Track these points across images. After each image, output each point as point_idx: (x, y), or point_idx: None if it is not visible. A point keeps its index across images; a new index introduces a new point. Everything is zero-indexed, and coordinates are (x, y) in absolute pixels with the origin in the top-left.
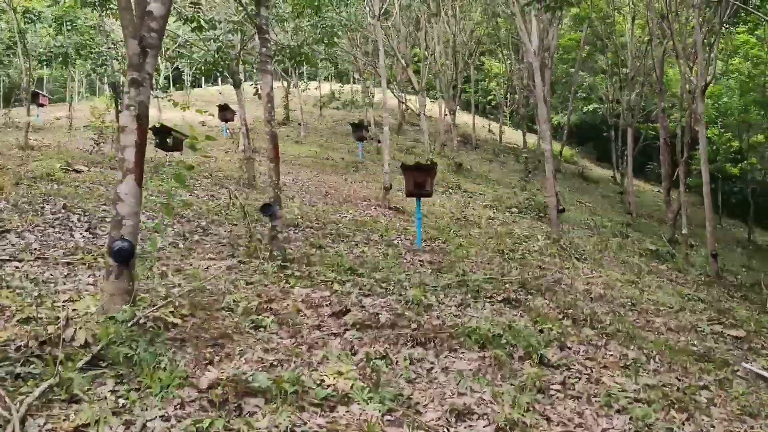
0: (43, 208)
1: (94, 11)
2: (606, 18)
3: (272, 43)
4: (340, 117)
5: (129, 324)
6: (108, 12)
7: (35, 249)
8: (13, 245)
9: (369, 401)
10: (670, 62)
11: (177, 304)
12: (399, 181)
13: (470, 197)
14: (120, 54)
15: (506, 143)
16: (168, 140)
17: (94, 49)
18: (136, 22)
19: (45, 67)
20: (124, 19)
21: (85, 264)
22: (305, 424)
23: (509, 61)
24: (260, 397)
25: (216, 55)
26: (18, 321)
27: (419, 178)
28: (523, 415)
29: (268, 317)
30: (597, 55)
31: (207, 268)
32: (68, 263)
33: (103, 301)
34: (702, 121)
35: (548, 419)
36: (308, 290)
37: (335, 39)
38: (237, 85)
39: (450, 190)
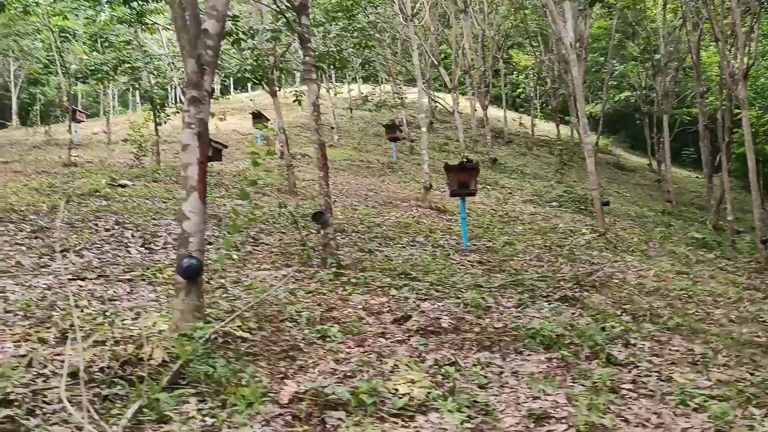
0: (96, 225)
1: (131, 27)
2: (636, 4)
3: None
4: (370, 118)
5: (203, 340)
6: (143, 27)
7: (96, 267)
8: (74, 264)
9: (446, 409)
10: (704, 45)
11: (244, 317)
12: (436, 180)
13: (509, 193)
14: (156, 68)
15: (538, 136)
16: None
17: (132, 64)
18: (193, 41)
19: (80, 83)
20: (182, 39)
21: (144, 280)
22: None
23: (538, 53)
24: (341, 410)
25: (254, 64)
26: (94, 342)
27: (463, 178)
28: (601, 417)
29: (332, 327)
30: (627, 42)
31: (263, 279)
32: (129, 280)
33: (174, 318)
34: (745, 105)
35: (626, 420)
36: (366, 297)
37: (369, 41)
38: (274, 93)
39: (488, 187)
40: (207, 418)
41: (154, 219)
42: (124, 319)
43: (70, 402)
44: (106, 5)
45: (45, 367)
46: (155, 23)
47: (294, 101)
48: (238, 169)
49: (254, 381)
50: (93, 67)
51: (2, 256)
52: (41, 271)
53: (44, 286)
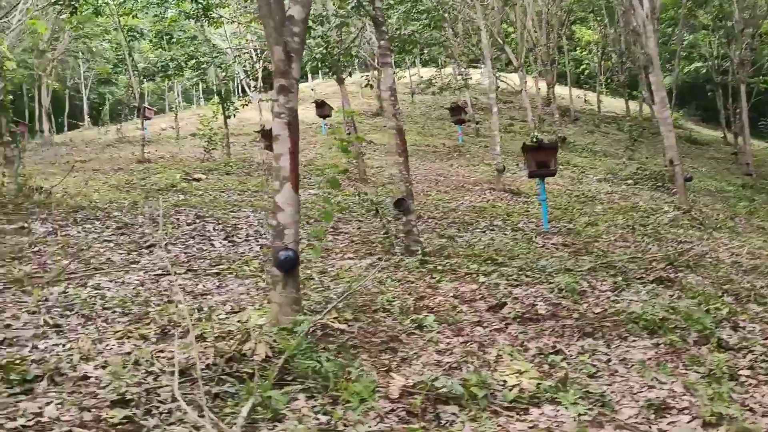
0: (177, 219)
1: (197, 22)
2: None
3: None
4: (431, 102)
5: (305, 334)
6: (209, 22)
7: (183, 261)
8: (161, 259)
9: (566, 402)
10: None
11: (338, 308)
12: (506, 162)
13: (581, 172)
14: (223, 62)
15: (605, 113)
16: None
17: (200, 59)
18: (278, 28)
19: (148, 81)
20: (267, 27)
21: (232, 273)
22: (507, 430)
23: (602, 27)
24: (452, 404)
25: (324, 52)
26: (195, 338)
27: (542, 157)
28: (727, 406)
29: (427, 316)
30: (698, 11)
31: (349, 268)
32: (216, 274)
33: (272, 311)
34: None
35: (751, 410)
36: (455, 284)
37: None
38: (341, 80)
39: (560, 166)
40: (320, 416)
41: (232, 211)
42: (220, 314)
43: (180, 400)
44: (173, 2)
45: (152, 365)
46: (221, 17)
47: (365, 86)
48: (307, 159)
49: (363, 376)
50: (163, 63)
51: (93, 253)
52: (131, 267)
53: (136, 281)
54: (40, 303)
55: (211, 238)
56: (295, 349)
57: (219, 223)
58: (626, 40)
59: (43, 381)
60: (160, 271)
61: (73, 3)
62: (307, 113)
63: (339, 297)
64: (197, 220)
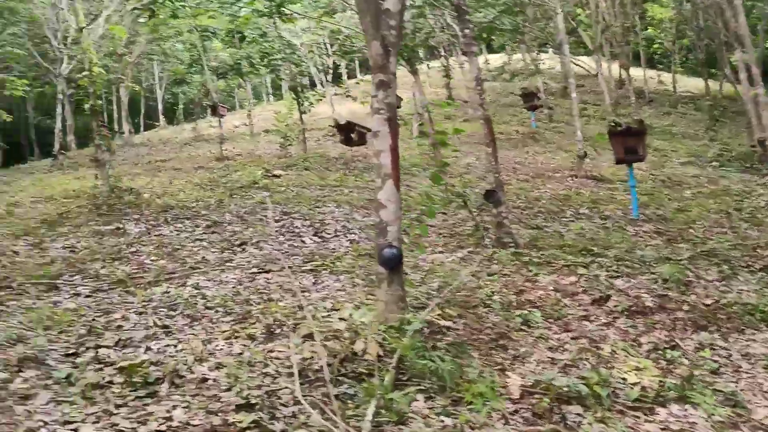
0: (265, 216)
1: (270, 18)
2: None
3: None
4: (500, 89)
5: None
6: (283, 19)
7: (277, 259)
8: (254, 257)
9: (687, 400)
10: None
11: (441, 304)
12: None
13: (663, 155)
14: (297, 58)
15: (681, 93)
16: (352, 135)
17: (274, 56)
18: (375, 22)
19: (220, 79)
20: (364, 21)
21: (326, 270)
22: None
23: (678, 4)
24: (575, 404)
25: (402, 43)
26: (303, 337)
27: (630, 143)
28: None
29: (532, 311)
30: None
31: (441, 263)
32: (311, 270)
33: (378, 310)
34: None
35: None
36: (553, 277)
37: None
38: (415, 71)
39: None
40: (443, 418)
41: (316, 207)
42: (321, 312)
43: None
44: (246, 0)
45: (266, 366)
46: (294, 13)
47: (444, 76)
48: None
49: (481, 375)
50: (238, 61)
51: (187, 252)
52: (226, 266)
53: (234, 280)
54: (144, 303)
55: (301, 234)
56: (408, 349)
57: (306, 219)
58: (704, 17)
59: (164, 383)
60: (255, 269)
61: (151, 7)
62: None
63: (438, 293)
64: (284, 217)
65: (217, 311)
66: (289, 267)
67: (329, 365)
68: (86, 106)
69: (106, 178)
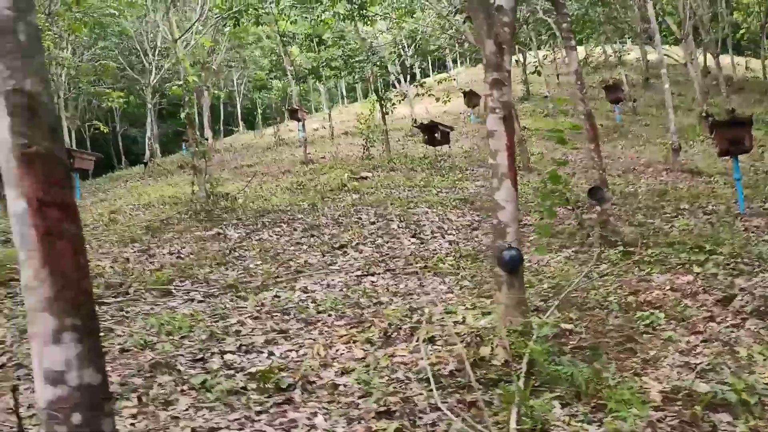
0: (360, 218)
1: (351, 21)
2: None
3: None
4: (590, 83)
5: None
6: (364, 21)
7: (379, 261)
8: (356, 259)
9: None
10: None
11: (560, 307)
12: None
13: (761, 145)
14: (379, 60)
15: None
16: (436, 135)
17: (356, 58)
18: (488, 21)
19: (300, 83)
20: (476, 19)
21: (430, 271)
22: None
23: None
24: (721, 411)
25: None
26: (423, 341)
27: (735, 134)
28: None
29: (654, 313)
30: None
31: (547, 262)
32: (415, 272)
33: (499, 313)
34: None
35: None
36: (668, 276)
37: None
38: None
39: None
40: (586, 426)
41: (409, 208)
42: (435, 316)
43: (442, 410)
44: (328, 3)
45: (394, 371)
46: (375, 14)
47: (532, 72)
48: (462, 150)
49: (621, 381)
50: (322, 64)
51: (289, 256)
52: (329, 269)
53: (340, 283)
54: (257, 308)
55: (398, 236)
56: (540, 354)
57: (401, 221)
58: None
59: (296, 389)
60: (359, 272)
61: (235, 15)
62: (452, 103)
63: (550, 294)
64: (379, 219)
65: (329, 315)
66: (392, 270)
67: (460, 371)
68: (182, 115)
69: (203, 185)
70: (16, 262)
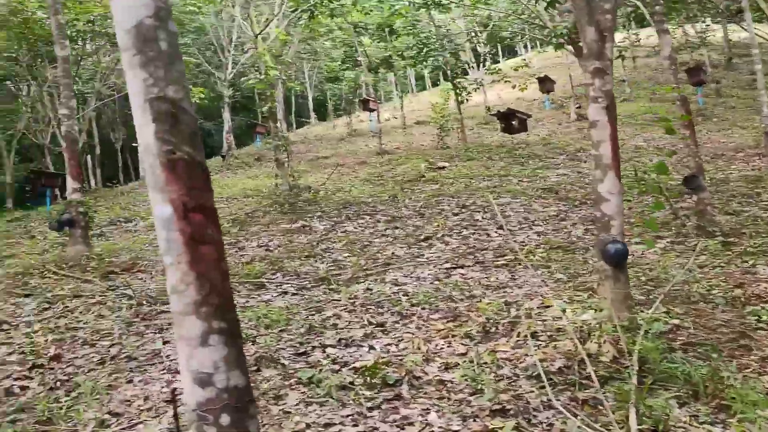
0: (442, 210)
1: (427, 9)
2: None
3: None
4: (655, 65)
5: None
6: (440, 9)
7: (468, 254)
8: (443, 251)
9: None
10: None
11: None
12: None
13: None
14: (456, 46)
15: None
16: (513, 123)
17: (432, 46)
18: (589, 8)
19: (372, 73)
20: (577, 8)
21: (520, 264)
22: None
23: None
24: None
25: (571, 25)
26: (524, 337)
27: None
28: None
29: (764, 307)
30: None
31: (642, 254)
32: (504, 265)
33: (602, 308)
34: None
35: None
36: None
37: None
38: (580, 53)
39: None
40: (710, 428)
41: (492, 198)
42: (532, 310)
43: (556, 408)
44: None
45: (500, 367)
46: (450, 1)
47: (617, 57)
48: (539, 138)
49: (742, 380)
50: (389, 55)
51: (376, 248)
52: (417, 261)
53: (430, 276)
54: (351, 300)
55: (484, 227)
56: (652, 351)
57: (485, 212)
58: None
59: (403, 384)
60: (448, 265)
61: (311, 8)
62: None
63: (652, 288)
64: (462, 210)
65: (423, 308)
66: (481, 262)
67: (568, 368)
68: (264, 108)
69: (286, 177)
70: (116, 255)
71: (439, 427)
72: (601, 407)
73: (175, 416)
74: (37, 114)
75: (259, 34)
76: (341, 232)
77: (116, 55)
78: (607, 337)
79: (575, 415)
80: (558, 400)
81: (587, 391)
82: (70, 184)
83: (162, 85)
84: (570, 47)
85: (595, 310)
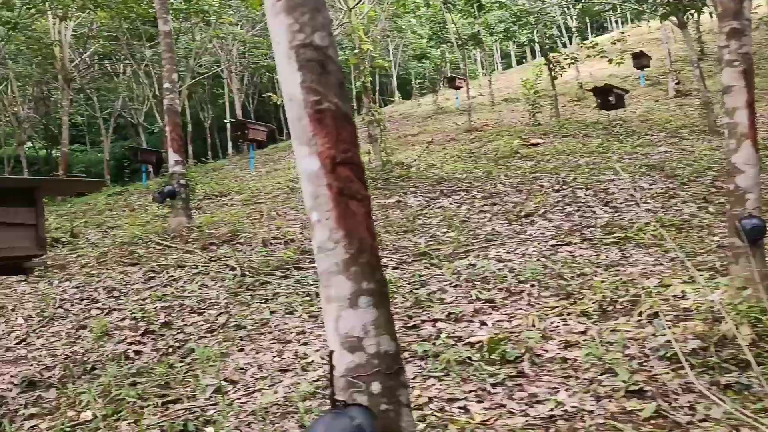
0: (541, 186)
1: None
2: None
3: None
4: (760, 39)
5: None
6: None
7: (574, 231)
8: (546, 228)
9: None
10: None
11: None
12: None
13: None
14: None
15: None
16: (610, 98)
17: (526, 19)
18: None
19: (460, 50)
20: None
21: (630, 242)
22: None
23: None
24: None
25: None
26: (646, 316)
27: None
28: None
29: None
30: None
31: None
32: (615, 243)
33: (734, 287)
34: None
35: None
36: None
37: None
38: (683, 24)
39: None
40: None
41: (593, 175)
42: (651, 289)
43: (695, 391)
44: None
45: (626, 347)
46: None
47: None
48: (635, 115)
49: None
50: (486, 30)
51: (475, 224)
52: (520, 238)
53: (535, 253)
54: (454, 276)
55: (589, 204)
56: None
57: (588, 189)
58: None
59: (524, 362)
60: (554, 242)
61: None
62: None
63: None
64: (563, 187)
65: (532, 285)
66: (589, 239)
67: (704, 349)
68: (358, 83)
69: (379, 153)
70: (215, 227)
71: (573, 407)
72: (746, 393)
73: (331, 382)
74: (132, 93)
75: (353, 7)
76: (437, 207)
77: (210, 33)
78: (742, 319)
79: (721, 400)
80: (693, 383)
81: (729, 375)
82: (172, 156)
83: (308, 31)
84: (674, 18)
85: (726, 289)
